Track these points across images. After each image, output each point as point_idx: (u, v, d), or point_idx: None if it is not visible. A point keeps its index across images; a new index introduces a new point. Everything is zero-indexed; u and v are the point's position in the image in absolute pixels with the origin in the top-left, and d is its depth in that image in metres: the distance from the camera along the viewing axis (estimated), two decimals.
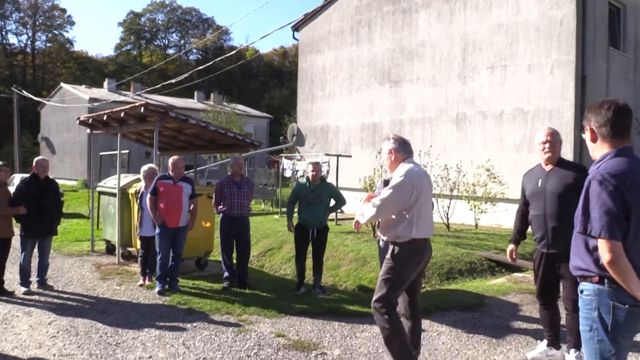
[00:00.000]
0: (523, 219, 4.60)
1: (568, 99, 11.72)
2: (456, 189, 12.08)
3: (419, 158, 12.07)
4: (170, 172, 6.95)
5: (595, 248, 2.47)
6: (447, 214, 11.80)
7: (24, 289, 6.85)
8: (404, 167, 3.99)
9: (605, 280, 2.46)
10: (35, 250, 7.10)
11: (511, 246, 4.71)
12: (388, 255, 3.98)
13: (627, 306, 2.41)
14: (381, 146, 4.42)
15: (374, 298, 3.96)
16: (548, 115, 12.02)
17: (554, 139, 4.23)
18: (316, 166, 7.13)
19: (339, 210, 13.10)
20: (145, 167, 7.64)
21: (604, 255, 2.39)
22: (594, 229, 2.42)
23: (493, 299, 6.59)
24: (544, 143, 4.24)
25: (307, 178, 7.15)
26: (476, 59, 13.47)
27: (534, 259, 4.51)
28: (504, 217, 12.53)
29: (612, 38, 13.43)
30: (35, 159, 7.19)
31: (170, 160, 7.05)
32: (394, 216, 3.94)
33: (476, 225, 12.22)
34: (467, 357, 4.62)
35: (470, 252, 8.99)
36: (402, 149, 4.11)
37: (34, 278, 7.10)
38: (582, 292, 2.59)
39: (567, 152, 11.56)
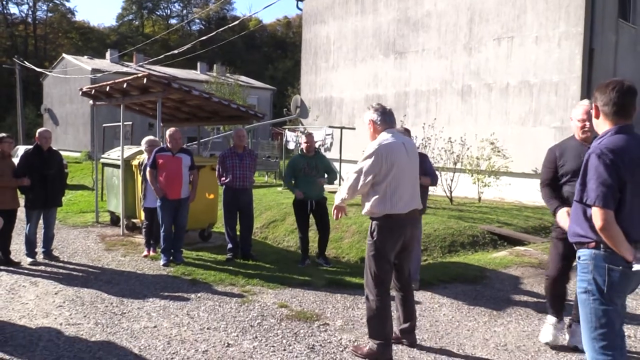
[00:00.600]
0: (557, 190, 4.14)
1: (575, 72, 11.58)
2: (460, 162, 12.06)
3: (423, 131, 12.02)
4: (168, 144, 6.94)
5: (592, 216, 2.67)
6: (450, 187, 11.80)
7: (30, 260, 6.92)
8: (377, 140, 3.92)
9: (601, 246, 2.68)
10: (41, 221, 7.15)
11: (564, 209, 3.71)
12: (368, 232, 3.99)
13: (620, 268, 2.65)
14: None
15: (364, 275, 4.02)
16: (554, 88, 11.89)
17: None
18: (309, 137, 7.16)
19: (341, 183, 13.09)
20: (145, 139, 7.63)
21: (597, 222, 2.61)
22: (590, 198, 2.64)
23: (494, 272, 6.64)
24: (584, 121, 4.02)
25: (301, 150, 7.21)
26: (483, 30, 13.27)
27: (554, 237, 4.31)
28: (508, 191, 12.54)
29: (621, 9, 13.19)
30: (38, 130, 7.18)
31: (168, 132, 7.01)
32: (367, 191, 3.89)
33: (479, 199, 12.24)
34: (468, 328, 4.68)
35: (472, 226, 9.02)
36: (382, 119, 3.99)
37: (39, 249, 7.17)
38: (579, 258, 2.81)
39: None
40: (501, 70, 12.91)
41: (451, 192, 11.84)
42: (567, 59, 11.69)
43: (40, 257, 7.10)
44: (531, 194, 12.31)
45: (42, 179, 6.86)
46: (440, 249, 8.11)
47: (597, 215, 2.60)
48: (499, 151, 12.08)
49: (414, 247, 4.25)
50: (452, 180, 11.79)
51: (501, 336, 4.49)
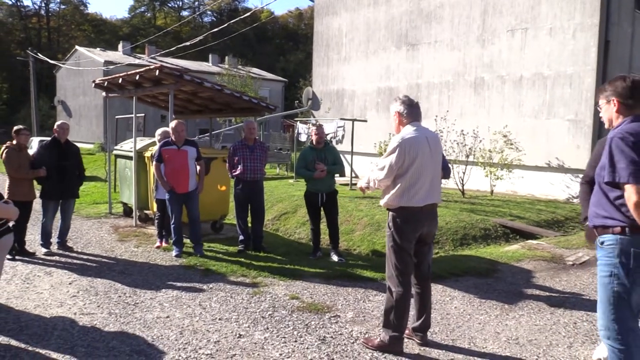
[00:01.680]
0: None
1: (590, 64, 11.43)
2: (472, 154, 11.99)
3: (435, 123, 11.96)
4: (172, 138, 6.95)
5: (617, 198, 2.77)
6: (463, 180, 11.74)
7: (44, 250, 7.01)
8: (401, 133, 3.90)
9: (627, 230, 2.74)
10: (58, 212, 7.23)
11: None
12: (386, 224, 4.01)
13: None
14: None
15: (386, 266, 4.03)
16: (568, 81, 11.76)
17: None
18: (319, 129, 7.15)
19: (353, 175, 13.10)
20: (159, 131, 7.66)
21: (632, 197, 2.65)
22: (622, 176, 2.70)
23: (506, 266, 6.61)
24: None
25: (311, 142, 7.21)
26: (496, 22, 13.13)
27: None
28: (520, 184, 12.46)
29: (638, 1, 12.96)
30: (57, 123, 7.28)
31: (171, 125, 7.00)
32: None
33: (491, 192, 12.17)
34: (479, 321, 4.67)
35: (484, 219, 8.98)
36: (408, 112, 3.97)
37: (54, 239, 7.26)
38: (602, 243, 2.87)
39: (587, 118, 11.37)
40: (515, 62, 12.77)
41: (463, 185, 11.79)
42: (582, 50, 11.54)
43: (54, 248, 7.19)
44: (544, 187, 12.23)
45: (59, 170, 6.93)
46: (452, 242, 8.08)
47: (631, 191, 2.65)
48: (511, 144, 11.99)
49: (431, 242, 4.21)
50: (464, 173, 11.73)
51: (513, 330, 4.48)
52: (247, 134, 7.36)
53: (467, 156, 11.94)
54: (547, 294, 5.52)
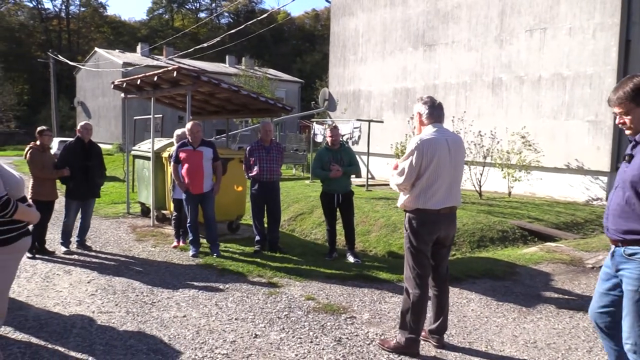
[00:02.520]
0: None
1: (610, 64, 11.26)
2: (489, 156, 11.88)
3: (452, 124, 11.88)
4: (189, 139, 6.98)
5: None
6: (480, 182, 11.64)
7: (64, 249, 7.10)
8: (420, 134, 3.87)
9: None
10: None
11: None
12: (404, 225, 4.00)
13: None
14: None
15: (404, 268, 4.01)
16: (588, 81, 11.59)
17: None
18: (334, 131, 7.13)
19: (369, 177, 13.08)
20: (178, 132, 7.72)
21: None
22: None
23: (524, 268, 6.53)
24: None
25: (327, 143, 7.21)
26: (514, 22, 13.00)
27: None
28: (539, 186, 12.32)
29: None
30: (80, 123, 7.41)
31: (187, 126, 7.03)
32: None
33: (509, 194, 12.05)
34: (497, 324, 4.62)
35: (502, 221, 8.89)
36: (430, 113, 3.91)
37: (73, 238, 7.35)
38: (631, 254, 2.72)
39: (607, 119, 11.19)
40: (533, 62, 12.63)
41: (480, 186, 11.69)
42: (602, 50, 11.37)
43: (73, 247, 7.28)
44: (563, 188, 12.07)
45: (83, 170, 7.03)
46: (469, 243, 8.02)
47: None
48: (530, 145, 11.86)
49: (450, 245, 4.18)
50: (481, 175, 11.63)
51: (531, 333, 4.42)
52: (264, 135, 7.37)
53: (485, 157, 11.83)
54: (566, 297, 5.44)
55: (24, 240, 3.35)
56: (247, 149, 7.47)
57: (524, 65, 12.83)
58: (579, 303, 5.22)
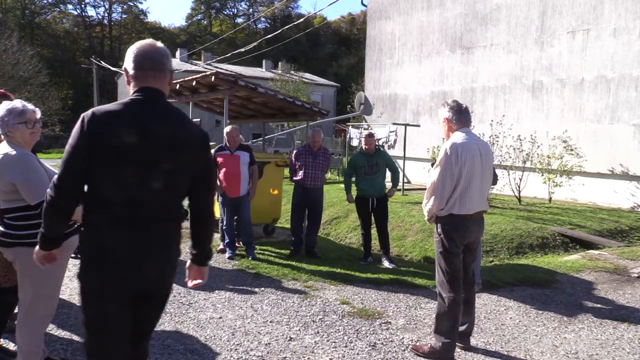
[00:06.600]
0: None
1: None
2: (529, 160, 11.62)
3: (491, 128, 11.67)
4: (226, 143, 7.03)
5: None
6: (519, 187, 11.39)
7: None
8: (451, 139, 3.84)
9: None
10: None
11: None
12: (434, 230, 3.98)
13: None
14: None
15: (435, 272, 3.98)
16: (634, 83, 11.21)
17: None
18: (369, 140, 7.07)
19: (405, 181, 12.98)
20: (227, 129, 7.68)
21: None
22: None
23: (565, 276, 6.35)
24: None
25: (362, 148, 7.18)
26: (556, 23, 12.70)
27: None
28: (581, 192, 11.97)
29: None
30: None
31: (225, 130, 7.07)
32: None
33: (550, 199, 11.75)
34: (536, 333, 4.51)
35: (542, 227, 8.68)
36: (457, 119, 3.90)
37: None
38: None
39: None
40: (575, 64, 12.30)
41: (519, 191, 11.43)
42: None
43: None
44: (607, 194, 11.70)
45: None
46: (507, 250, 7.85)
47: None
48: (572, 149, 11.55)
49: (477, 248, 4.15)
50: (520, 180, 11.38)
51: (572, 344, 4.29)
52: (312, 143, 7.32)
53: (524, 162, 11.57)
54: (610, 307, 5.26)
55: (73, 238, 3.43)
56: (294, 152, 7.50)
57: (565, 67, 12.51)
58: (624, 313, 5.04)
